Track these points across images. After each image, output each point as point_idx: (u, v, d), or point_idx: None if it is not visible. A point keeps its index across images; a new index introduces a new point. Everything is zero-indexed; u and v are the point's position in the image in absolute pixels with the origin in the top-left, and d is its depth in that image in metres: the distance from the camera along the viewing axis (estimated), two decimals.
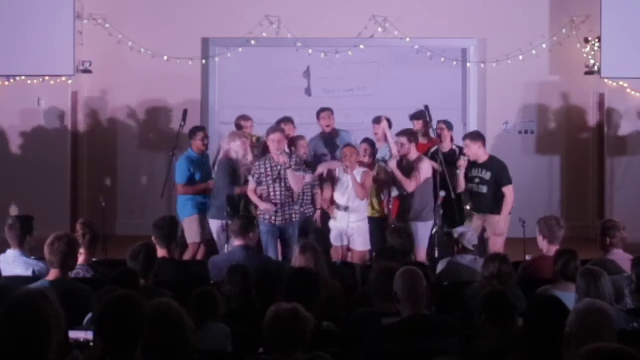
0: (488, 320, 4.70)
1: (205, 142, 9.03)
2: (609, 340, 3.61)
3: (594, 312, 3.74)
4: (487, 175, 8.51)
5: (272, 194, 8.19)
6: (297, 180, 8.16)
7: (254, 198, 8.25)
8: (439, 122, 9.27)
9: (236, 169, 8.46)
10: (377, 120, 9.28)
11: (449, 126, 9.30)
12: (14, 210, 10.65)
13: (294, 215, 8.26)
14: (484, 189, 8.47)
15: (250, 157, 8.54)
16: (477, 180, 8.53)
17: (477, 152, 8.54)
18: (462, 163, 8.51)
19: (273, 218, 8.20)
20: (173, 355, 3.73)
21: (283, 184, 8.18)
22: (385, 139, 9.07)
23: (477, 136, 8.73)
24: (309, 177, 8.34)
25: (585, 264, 5.92)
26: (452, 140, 9.31)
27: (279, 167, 8.16)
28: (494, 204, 8.47)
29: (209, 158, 9.18)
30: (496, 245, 8.31)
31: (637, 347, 3.27)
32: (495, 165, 8.59)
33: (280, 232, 8.27)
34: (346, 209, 8.42)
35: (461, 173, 8.51)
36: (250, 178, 8.28)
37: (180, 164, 8.76)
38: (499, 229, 8.41)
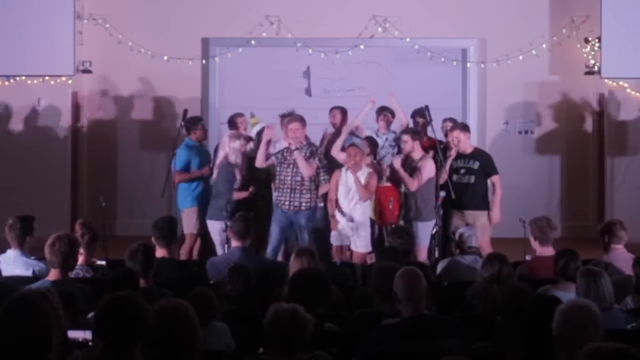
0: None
1: (206, 130, 9.30)
2: (595, 337, 3.63)
3: (578, 311, 3.76)
4: (475, 165, 8.57)
5: (283, 178, 8.35)
6: (307, 165, 8.25)
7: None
8: (444, 120, 9.36)
9: (234, 173, 8.54)
10: (383, 110, 9.45)
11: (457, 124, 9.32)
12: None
13: (303, 204, 8.31)
14: (472, 179, 8.54)
15: (239, 161, 8.58)
16: (462, 171, 8.58)
17: (465, 143, 8.61)
18: (453, 153, 8.56)
19: (281, 203, 8.31)
20: (182, 355, 3.71)
21: (294, 170, 8.30)
22: (388, 127, 9.36)
23: (466, 128, 8.87)
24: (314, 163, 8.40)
25: (586, 264, 5.92)
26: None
27: (294, 155, 8.30)
28: (480, 197, 8.54)
29: (207, 148, 9.33)
30: (484, 239, 8.26)
31: (637, 347, 3.28)
32: (482, 155, 8.72)
33: (291, 221, 8.35)
34: (348, 214, 8.35)
35: (448, 164, 8.54)
36: (273, 158, 8.47)
37: (178, 152, 8.83)
38: (495, 219, 8.52)
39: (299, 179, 8.30)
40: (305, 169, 8.25)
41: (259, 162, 8.51)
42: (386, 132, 9.48)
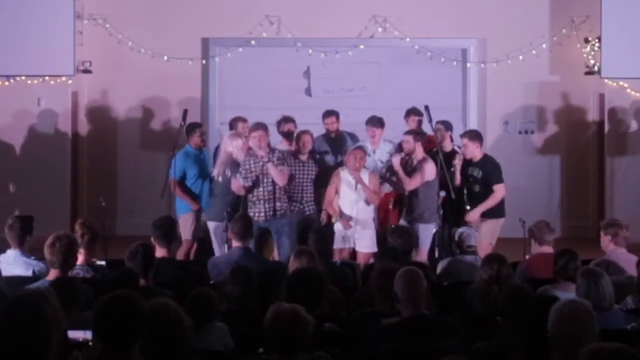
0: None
1: (204, 138, 9.10)
2: (590, 334, 3.65)
3: (572, 308, 3.77)
4: (479, 174, 8.57)
5: (256, 190, 8.21)
6: (279, 173, 8.14)
7: (242, 193, 8.31)
8: (436, 122, 9.25)
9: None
10: (372, 122, 9.16)
11: (447, 126, 9.27)
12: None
13: (277, 212, 8.21)
14: (477, 188, 8.56)
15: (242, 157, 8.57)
16: (471, 179, 8.59)
17: (473, 151, 8.59)
18: (457, 162, 8.55)
19: (257, 215, 8.15)
20: (172, 354, 3.73)
21: (266, 180, 8.19)
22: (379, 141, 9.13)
23: (475, 136, 8.78)
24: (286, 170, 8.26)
25: (586, 264, 5.92)
26: (451, 140, 9.27)
27: (261, 163, 8.17)
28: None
29: (208, 155, 9.24)
30: (481, 245, 8.21)
31: (637, 347, 3.28)
32: (487, 164, 8.65)
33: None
34: (352, 219, 8.34)
35: (457, 170, 8.53)
36: (237, 175, 8.29)
37: (177, 157, 8.78)
38: (471, 217, 8.39)
39: (270, 188, 8.18)
40: (280, 178, 8.13)
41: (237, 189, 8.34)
42: (379, 144, 9.22)
